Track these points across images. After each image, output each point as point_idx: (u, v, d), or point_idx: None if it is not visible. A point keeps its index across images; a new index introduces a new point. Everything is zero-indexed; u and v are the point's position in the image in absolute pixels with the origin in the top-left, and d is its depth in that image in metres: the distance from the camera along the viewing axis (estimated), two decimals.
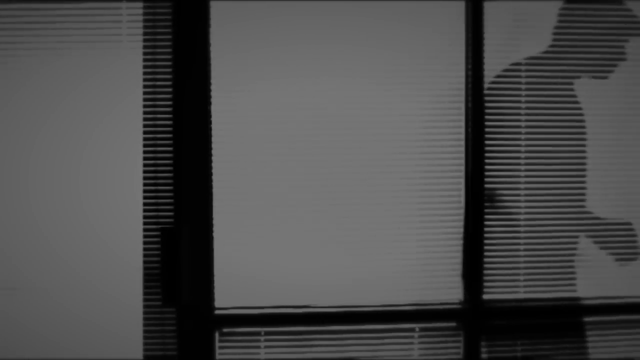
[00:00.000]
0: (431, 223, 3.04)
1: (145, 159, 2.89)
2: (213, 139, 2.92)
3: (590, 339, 3.14)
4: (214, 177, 2.93)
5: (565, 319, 3.13)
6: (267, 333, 3.01)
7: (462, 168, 3.04)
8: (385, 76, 2.99)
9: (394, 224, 3.03)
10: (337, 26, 2.96)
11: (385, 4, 2.97)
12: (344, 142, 2.99)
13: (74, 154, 2.87)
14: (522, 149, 3.07)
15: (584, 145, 3.10)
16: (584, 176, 3.11)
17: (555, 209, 3.10)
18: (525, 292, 3.11)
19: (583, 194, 3.11)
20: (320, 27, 2.96)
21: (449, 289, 3.08)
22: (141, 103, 2.88)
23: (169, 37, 2.87)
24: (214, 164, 2.92)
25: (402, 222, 3.03)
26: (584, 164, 3.10)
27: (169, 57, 2.88)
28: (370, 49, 2.98)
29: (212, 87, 2.91)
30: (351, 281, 3.02)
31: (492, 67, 3.03)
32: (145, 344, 2.93)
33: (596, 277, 3.15)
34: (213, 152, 2.92)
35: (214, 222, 2.94)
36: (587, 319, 3.13)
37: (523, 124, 3.06)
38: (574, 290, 3.12)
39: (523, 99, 3.06)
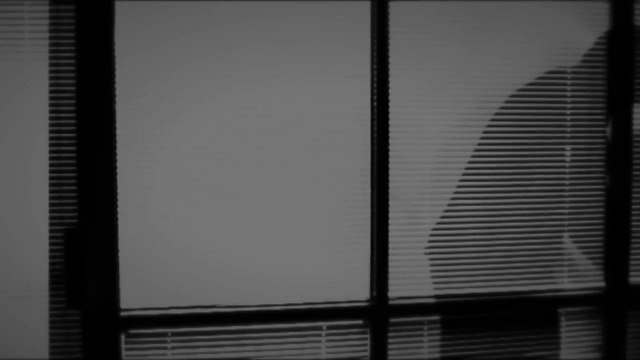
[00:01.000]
0: (339, 222, 3.06)
1: (51, 158, 2.85)
2: (118, 139, 2.90)
3: (496, 333, 3.20)
4: (119, 178, 2.90)
5: (471, 315, 3.18)
6: (174, 334, 2.99)
7: (369, 167, 3.07)
8: (293, 77, 3.00)
9: (303, 223, 3.04)
10: (247, 27, 2.96)
11: (293, 4, 2.98)
12: (251, 144, 2.99)
13: None
14: (427, 147, 3.11)
15: (487, 144, 3.15)
16: (487, 175, 3.16)
17: (460, 207, 3.15)
18: (432, 289, 3.15)
19: (486, 192, 3.16)
20: (229, 28, 2.95)
21: (357, 287, 3.10)
22: (47, 102, 2.84)
23: (73, 34, 2.84)
24: (119, 164, 2.89)
25: (310, 221, 3.04)
26: (487, 162, 3.15)
27: (72, 54, 2.84)
28: (279, 49, 2.99)
29: (118, 86, 2.88)
30: (260, 280, 3.02)
31: (398, 65, 3.06)
32: (51, 346, 2.90)
33: (501, 274, 3.20)
34: (118, 152, 2.89)
35: (119, 223, 2.91)
36: (492, 315, 3.19)
37: (428, 123, 3.10)
38: (480, 287, 3.18)
39: (428, 98, 3.09)
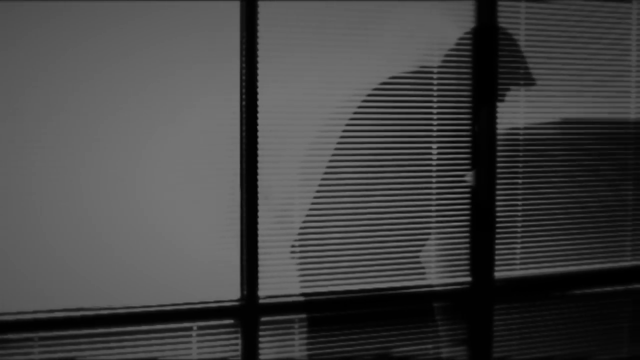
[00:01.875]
0: (209, 220, 3.05)
1: None
2: None
3: (365, 330, 3.25)
4: None
5: (339, 312, 3.22)
6: (41, 338, 2.92)
7: (238, 166, 3.07)
8: (164, 75, 2.98)
9: (173, 222, 3.01)
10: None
11: (161, 4, 2.96)
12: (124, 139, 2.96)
13: None
14: (298, 144, 3.13)
15: (355, 143, 3.19)
16: (355, 172, 3.21)
17: (326, 205, 3.18)
18: (303, 286, 3.17)
19: (354, 190, 3.21)
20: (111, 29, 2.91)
21: (228, 287, 3.09)
22: None
23: None
24: None
25: (180, 220, 3.02)
26: (354, 160, 3.20)
27: None
28: (147, 50, 2.96)
29: None
30: (127, 281, 2.98)
31: (267, 65, 3.07)
32: None
33: (369, 271, 3.25)
34: None
35: None
36: (361, 312, 3.24)
37: (296, 122, 3.12)
38: (349, 284, 3.22)
39: (292, 97, 3.12)
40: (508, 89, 3.37)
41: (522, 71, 3.40)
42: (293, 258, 3.14)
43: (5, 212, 2.85)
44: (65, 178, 2.90)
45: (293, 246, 3.14)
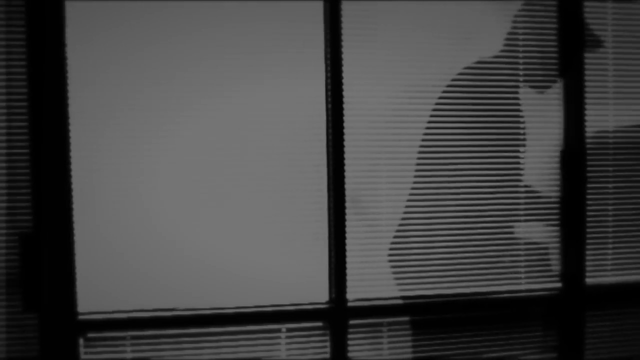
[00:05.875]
0: (298, 224, 3.08)
1: (4, 162, 2.85)
2: (72, 142, 2.90)
3: (456, 334, 3.22)
4: (74, 181, 2.90)
5: (429, 316, 3.20)
6: (133, 337, 2.98)
7: (325, 170, 3.09)
8: (251, 78, 3.02)
9: (262, 225, 3.05)
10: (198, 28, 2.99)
11: (248, 4, 3.01)
12: (214, 146, 3.01)
13: None
14: (383, 150, 3.14)
15: (444, 147, 3.19)
16: (445, 177, 3.20)
17: (416, 209, 3.17)
18: (390, 290, 3.16)
19: (444, 195, 3.20)
20: (178, 29, 2.98)
21: (316, 290, 3.11)
22: None
23: (24, 37, 2.84)
24: (73, 166, 2.89)
25: (269, 223, 3.05)
26: (444, 164, 3.19)
27: (23, 57, 2.84)
28: (235, 51, 3.02)
29: (70, 88, 2.90)
30: (220, 283, 3.02)
31: (351, 67, 3.09)
32: (7, 351, 2.87)
33: (458, 275, 3.23)
34: (72, 154, 2.89)
35: (75, 227, 2.91)
36: (454, 316, 3.21)
37: (383, 125, 3.13)
38: (437, 288, 3.20)
39: (383, 99, 3.13)
40: (595, 87, 3.33)
41: (610, 70, 3.35)
42: (388, 261, 3.14)
43: (112, 215, 2.92)
44: (159, 182, 2.96)
45: (391, 249, 3.13)
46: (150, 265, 2.97)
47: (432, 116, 3.17)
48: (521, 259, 3.30)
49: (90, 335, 2.95)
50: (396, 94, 3.15)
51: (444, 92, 3.17)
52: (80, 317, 2.93)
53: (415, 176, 3.16)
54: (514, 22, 3.24)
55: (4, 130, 2.85)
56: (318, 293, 3.12)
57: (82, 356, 2.94)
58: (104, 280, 2.95)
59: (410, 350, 3.19)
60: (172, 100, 2.96)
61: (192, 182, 2.99)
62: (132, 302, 2.98)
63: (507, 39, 3.23)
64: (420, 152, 3.16)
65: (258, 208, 3.04)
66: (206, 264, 3.01)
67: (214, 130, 3.01)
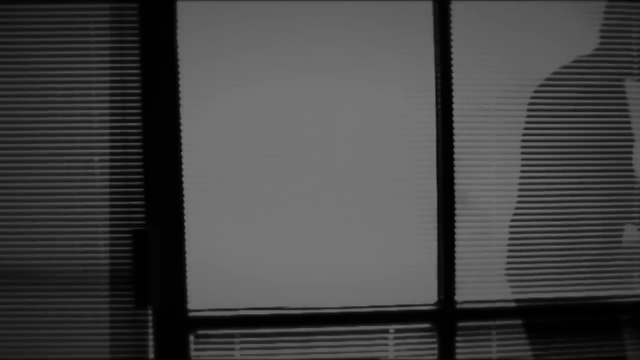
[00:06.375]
0: (404, 224, 3.05)
1: (113, 161, 2.90)
2: (183, 141, 2.94)
3: (563, 339, 3.14)
4: (185, 179, 2.93)
5: (538, 320, 3.13)
6: (242, 335, 3.00)
7: (434, 169, 3.05)
8: (357, 76, 3.01)
9: (367, 225, 3.03)
10: (309, 26, 2.99)
11: (355, 4, 3.00)
12: (316, 144, 3.00)
13: None
14: (494, 149, 3.08)
15: (556, 146, 3.11)
16: (559, 177, 3.12)
17: (528, 209, 3.10)
18: (499, 292, 3.10)
19: (558, 194, 3.12)
20: (292, 27, 2.98)
21: (423, 291, 3.07)
22: (109, 102, 2.90)
23: (137, 38, 2.89)
24: (184, 166, 2.93)
25: (374, 223, 3.03)
26: (557, 164, 3.11)
27: (136, 57, 2.90)
28: (342, 48, 3.00)
29: (182, 89, 2.93)
30: (324, 283, 3.02)
31: (461, 67, 3.05)
32: (112, 346, 2.92)
33: (570, 278, 3.14)
34: (183, 153, 2.93)
35: (186, 224, 2.94)
36: (560, 320, 3.13)
37: (493, 125, 3.08)
38: (546, 291, 3.12)
39: (492, 100, 3.07)
40: None
41: None
42: (499, 263, 3.08)
43: (221, 214, 2.96)
44: (267, 177, 2.98)
45: (507, 250, 3.08)
46: (258, 265, 2.99)
47: (537, 116, 3.09)
48: (634, 262, 3.19)
49: (200, 332, 2.98)
50: (505, 93, 3.08)
51: (547, 90, 3.09)
52: (191, 313, 2.96)
53: (524, 177, 3.09)
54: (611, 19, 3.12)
55: (118, 131, 2.91)
56: (425, 294, 3.08)
57: (192, 352, 2.97)
58: (211, 279, 2.98)
59: (521, 354, 3.12)
60: (276, 101, 2.97)
61: (304, 179, 2.99)
62: (239, 300, 3.00)
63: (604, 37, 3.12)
64: (528, 151, 3.09)
65: (364, 209, 3.02)
66: (316, 264, 3.01)
67: (329, 130, 3.00)
